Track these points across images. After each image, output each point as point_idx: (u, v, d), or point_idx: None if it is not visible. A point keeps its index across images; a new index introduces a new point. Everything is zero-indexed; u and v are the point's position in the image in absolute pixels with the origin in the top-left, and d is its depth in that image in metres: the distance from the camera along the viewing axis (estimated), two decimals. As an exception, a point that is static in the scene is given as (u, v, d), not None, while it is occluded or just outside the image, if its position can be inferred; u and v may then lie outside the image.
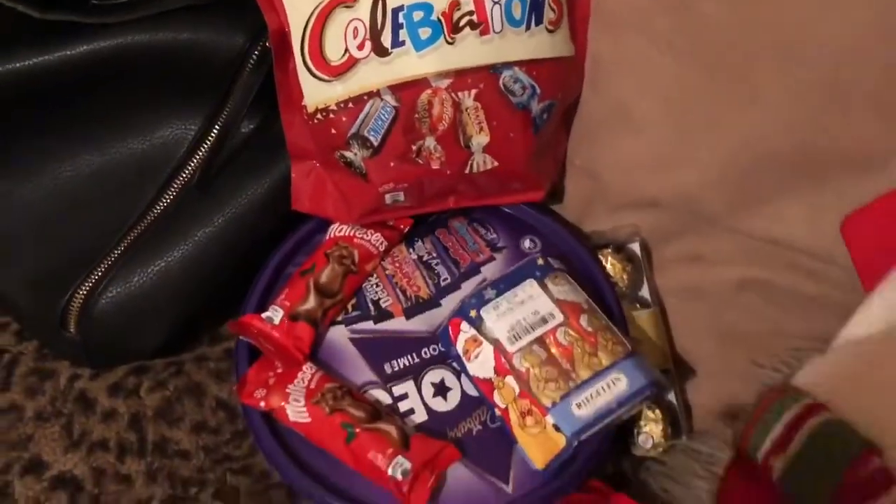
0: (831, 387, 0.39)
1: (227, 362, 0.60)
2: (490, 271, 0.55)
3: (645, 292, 0.58)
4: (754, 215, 0.52)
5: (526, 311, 0.51)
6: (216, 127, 0.57)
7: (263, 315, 0.52)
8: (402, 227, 0.57)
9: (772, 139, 0.49)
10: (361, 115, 0.51)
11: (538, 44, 0.51)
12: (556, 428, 0.47)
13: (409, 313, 0.54)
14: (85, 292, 0.56)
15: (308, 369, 0.51)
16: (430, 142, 0.52)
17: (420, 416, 0.50)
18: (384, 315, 0.54)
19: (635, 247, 0.58)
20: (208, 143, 0.57)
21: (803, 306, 0.53)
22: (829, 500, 0.35)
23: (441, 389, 0.51)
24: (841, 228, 0.48)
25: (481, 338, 0.50)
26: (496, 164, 0.53)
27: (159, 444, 0.56)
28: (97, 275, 0.57)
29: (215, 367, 0.59)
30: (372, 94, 0.50)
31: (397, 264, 0.56)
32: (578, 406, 0.48)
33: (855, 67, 0.46)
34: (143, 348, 0.58)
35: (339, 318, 0.54)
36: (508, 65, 0.51)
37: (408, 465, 0.47)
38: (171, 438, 0.57)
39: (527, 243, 0.57)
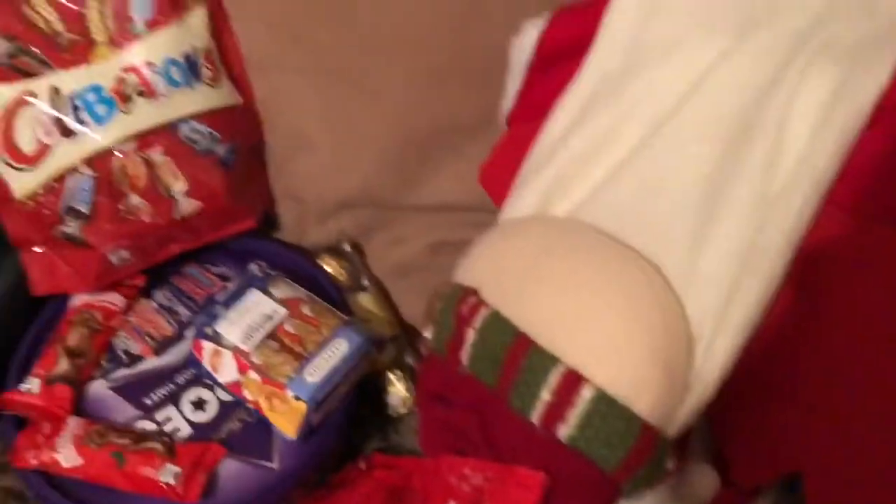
0: (473, 269, 0.49)
1: (3, 456, 0.62)
2: (221, 298, 0.63)
3: (364, 280, 0.67)
4: (419, 190, 0.64)
5: (254, 315, 0.59)
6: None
7: (21, 387, 0.57)
8: (137, 283, 0.64)
9: (406, 125, 0.62)
10: (66, 192, 0.58)
11: (203, 98, 0.61)
12: (297, 398, 0.55)
13: (159, 351, 0.61)
14: None
15: (72, 421, 0.56)
16: (134, 199, 0.60)
17: (186, 432, 0.57)
18: (136, 359, 0.60)
19: (346, 246, 0.68)
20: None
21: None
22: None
23: (199, 404, 0.58)
24: (479, 181, 0.61)
25: (221, 349, 0.58)
26: (201, 204, 0.62)
27: (-46, 546, 0.59)
28: None
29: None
30: (70, 171, 0.58)
31: (140, 314, 0.63)
32: (310, 374, 0.56)
33: (444, 55, 0.59)
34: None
35: (96, 374, 0.59)
36: (183, 119, 0.60)
37: (177, 469, 0.53)
38: (-35, 538, 0.59)
39: (254, 267, 0.66)
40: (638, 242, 0.46)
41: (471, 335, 0.44)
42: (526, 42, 0.56)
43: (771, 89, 0.45)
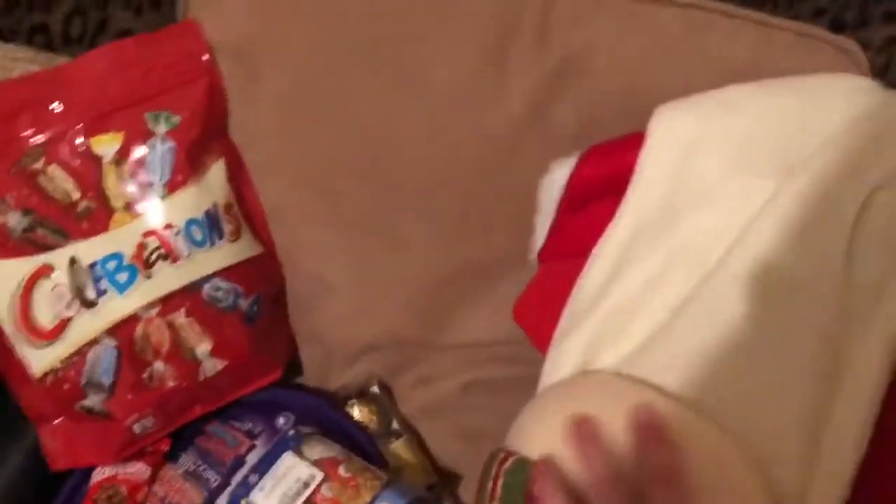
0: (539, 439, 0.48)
1: None
2: (254, 458, 0.60)
3: (395, 425, 0.65)
4: (449, 330, 0.62)
5: (290, 481, 0.56)
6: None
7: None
8: (161, 448, 0.61)
9: (431, 269, 0.60)
10: (87, 364, 0.56)
11: (225, 254, 0.59)
12: (343, 573, 0.52)
13: (190, 524, 0.57)
14: None
15: None
16: (158, 365, 0.57)
17: None
18: (166, 534, 0.57)
19: (375, 389, 0.65)
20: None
21: (518, 387, 0.63)
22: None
23: (236, 581, 0.55)
24: (514, 318, 0.59)
25: (257, 520, 0.55)
26: (226, 362, 0.60)
27: None
28: None
29: None
30: (91, 343, 0.56)
31: (167, 483, 0.59)
32: (355, 546, 0.53)
33: (470, 201, 0.59)
34: None
35: (125, 554, 0.56)
36: (206, 278, 0.58)
37: None
38: None
39: (281, 420, 0.63)
40: (694, 396, 0.45)
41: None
42: (556, 180, 0.55)
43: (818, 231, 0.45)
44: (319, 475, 0.56)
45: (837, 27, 0.87)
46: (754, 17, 0.56)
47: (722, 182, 0.49)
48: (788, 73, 0.53)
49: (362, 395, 0.65)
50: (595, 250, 0.53)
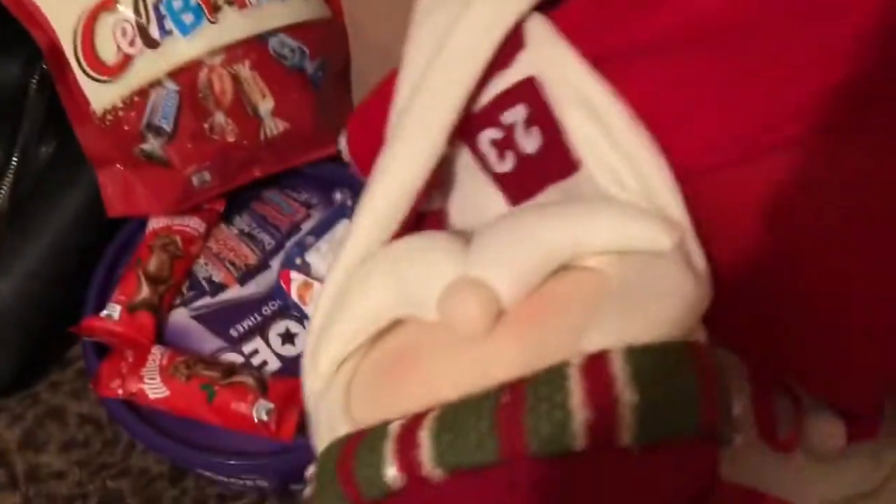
0: None
1: (81, 381, 0.60)
2: (309, 226, 0.60)
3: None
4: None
5: (345, 246, 0.56)
6: (14, 157, 0.58)
7: (102, 314, 0.54)
8: (217, 207, 0.60)
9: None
10: (148, 106, 0.54)
11: (295, 9, 0.57)
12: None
13: (242, 280, 0.57)
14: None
15: (157, 350, 0.53)
16: (219, 117, 0.56)
17: (274, 365, 0.54)
18: (218, 288, 0.57)
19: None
20: (9, 174, 0.58)
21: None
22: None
23: (288, 337, 0.55)
24: None
25: (311, 280, 0.55)
26: (287, 125, 0.58)
27: (30, 471, 0.57)
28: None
29: (70, 387, 0.60)
30: (153, 85, 0.54)
31: (221, 241, 0.59)
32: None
33: None
34: (-6, 386, 0.59)
35: (178, 301, 0.57)
36: (272, 32, 0.56)
37: (270, 405, 0.51)
38: (42, 463, 0.57)
39: (338, 195, 0.62)
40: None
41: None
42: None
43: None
44: (376, 243, 0.56)
45: None
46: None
47: None
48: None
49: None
50: None
